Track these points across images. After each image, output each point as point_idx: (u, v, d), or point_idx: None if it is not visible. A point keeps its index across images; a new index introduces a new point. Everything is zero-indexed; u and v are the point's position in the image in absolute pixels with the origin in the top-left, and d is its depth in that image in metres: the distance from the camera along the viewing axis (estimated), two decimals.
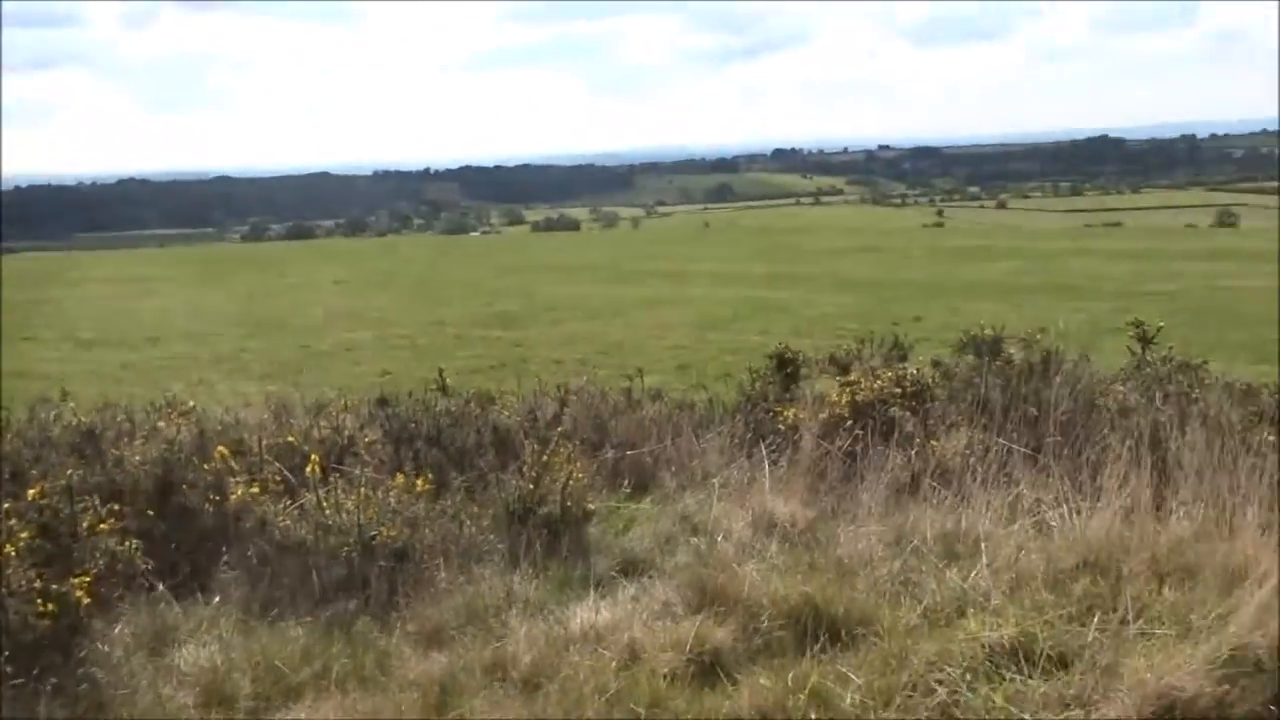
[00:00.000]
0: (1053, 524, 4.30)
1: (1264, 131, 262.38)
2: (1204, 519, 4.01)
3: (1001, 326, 6.48)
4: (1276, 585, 2.78)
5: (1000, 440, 5.17)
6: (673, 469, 5.71)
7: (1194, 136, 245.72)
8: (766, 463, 5.31)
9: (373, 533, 4.32)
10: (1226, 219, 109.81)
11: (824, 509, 4.99)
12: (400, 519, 4.46)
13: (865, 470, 5.22)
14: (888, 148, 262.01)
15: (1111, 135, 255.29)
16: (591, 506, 4.93)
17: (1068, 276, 31.80)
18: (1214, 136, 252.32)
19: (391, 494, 4.64)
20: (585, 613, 3.79)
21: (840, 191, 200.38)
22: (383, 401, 7.31)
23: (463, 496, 5.02)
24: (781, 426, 5.81)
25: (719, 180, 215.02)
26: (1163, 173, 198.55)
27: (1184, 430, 4.88)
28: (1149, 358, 5.88)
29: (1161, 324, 5.83)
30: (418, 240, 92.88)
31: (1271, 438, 4.62)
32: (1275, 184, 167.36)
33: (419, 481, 4.86)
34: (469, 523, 4.70)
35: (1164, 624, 2.80)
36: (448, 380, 8.08)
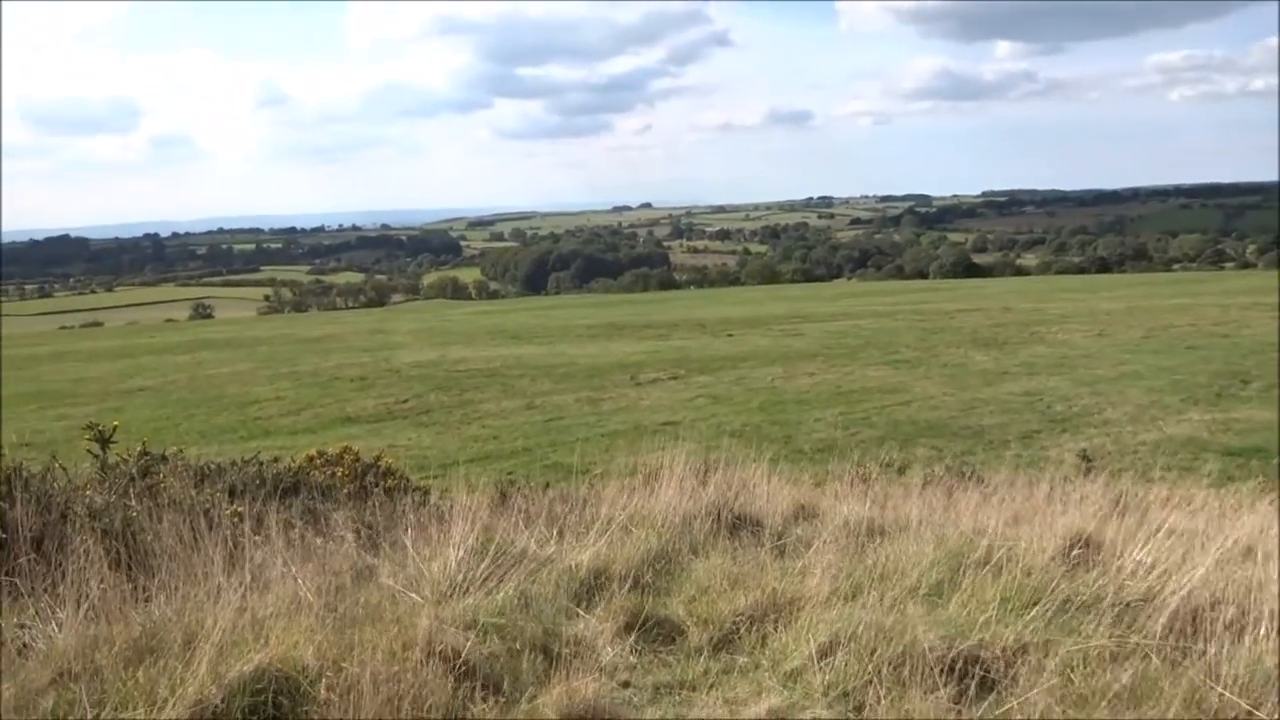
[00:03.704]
0: (40, 645, 4.10)
1: (221, 230, 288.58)
2: (184, 597, 4.28)
3: None
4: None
5: None
6: None
7: (158, 235, 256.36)
8: None
9: None
10: (202, 311, 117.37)
11: None
12: None
13: None
14: None
15: (74, 235, 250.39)
16: None
17: (47, 383, 30.12)
18: (176, 235, 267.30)
19: None
20: None
21: None
22: None
23: None
24: None
25: None
26: (133, 271, 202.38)
27: (160, 519, 5.13)
28: (114, 457, 6.02)
29: (116, 424, 6.02)
30: None
31: (227, 511, 5.21)
32: (240, 275, 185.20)
33: None
34: None
35: (134, 706, 2.96)
36: None
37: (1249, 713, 3.22)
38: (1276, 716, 3.31)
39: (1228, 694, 3.31)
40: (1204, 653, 3.69)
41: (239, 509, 5.49)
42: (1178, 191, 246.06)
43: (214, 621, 3.39)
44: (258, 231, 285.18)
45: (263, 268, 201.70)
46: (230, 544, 4.74)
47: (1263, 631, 3.81)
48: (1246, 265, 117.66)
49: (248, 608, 3.64)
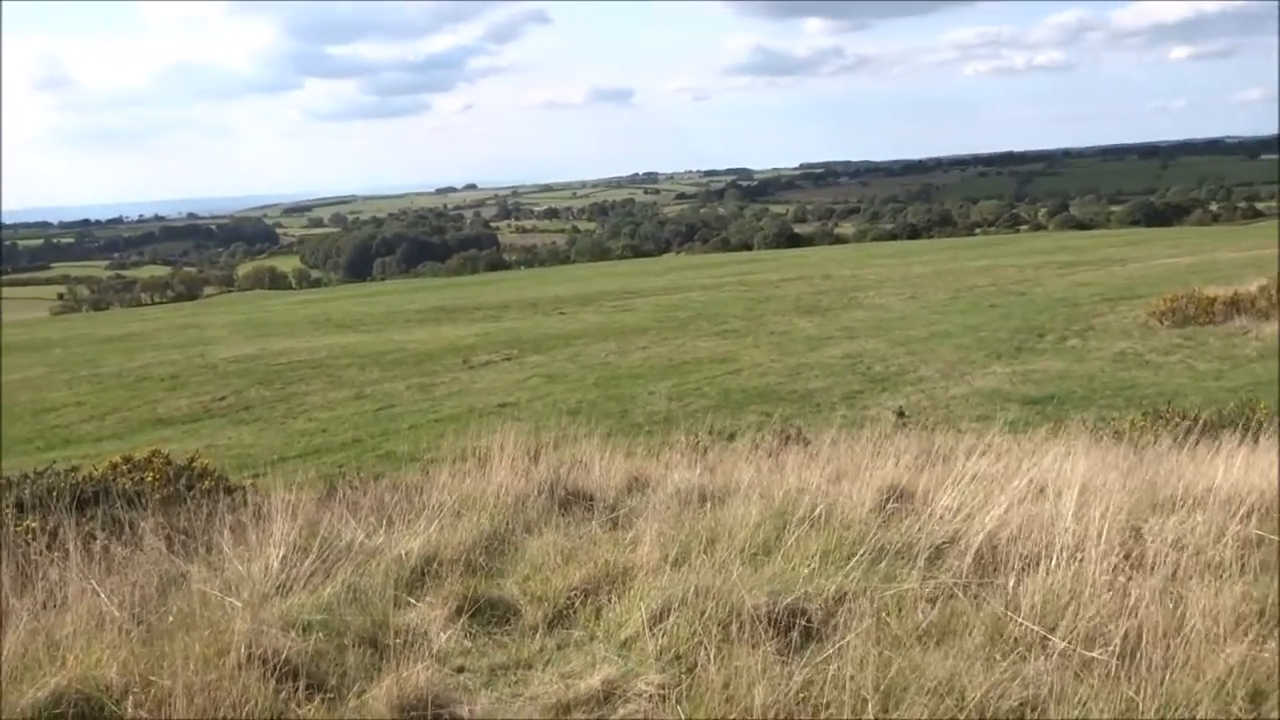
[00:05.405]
0: None
1: (1, 225, 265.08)
2: None
3: None
4: None
5: None
6: None
7: None
8: None
9: None
10: None
11: None
12: None
13: None
14: None
15: None
16: None
17: None
18: None
19: None
20: None
21: None
22: None
23: None
24: None
25: None
26: None
27: None
28: None
29: None
30: None
31: (17, 528, 4.80)
32: (28, 274, 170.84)
33: None
34: None
35: None
36: None
37: (1044, 637, 3.48)
38: (1069, 640, 3.59)
39: (1025, 622, 3.57)
40: (1004, 585, 3.97)
41: (31, 524, 5.08)
42: (976, 161, 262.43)
43: (1, 647, 3.13)
44: (45, 225, 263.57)
45: (53, 265, 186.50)
46: (21, 562, 4.39)
47: (1055, 562, 4.13)
48: (1039, 227, 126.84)
49: (42, 629, 3.37)
